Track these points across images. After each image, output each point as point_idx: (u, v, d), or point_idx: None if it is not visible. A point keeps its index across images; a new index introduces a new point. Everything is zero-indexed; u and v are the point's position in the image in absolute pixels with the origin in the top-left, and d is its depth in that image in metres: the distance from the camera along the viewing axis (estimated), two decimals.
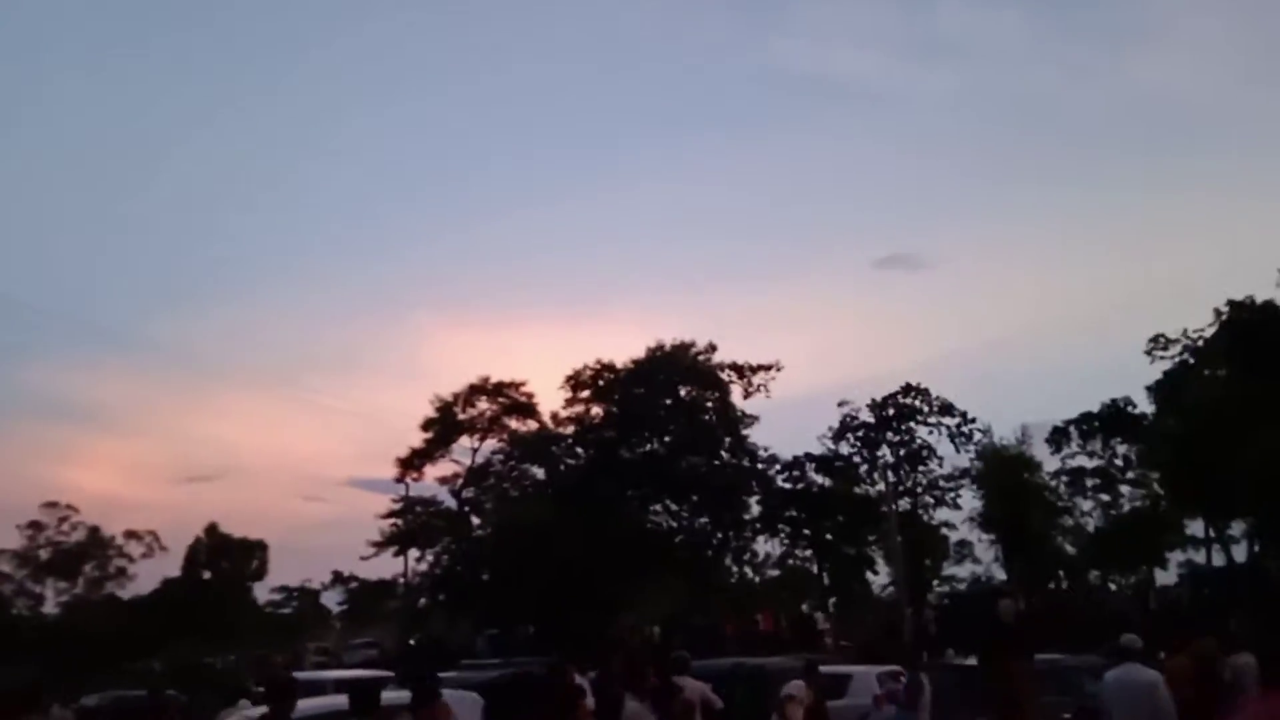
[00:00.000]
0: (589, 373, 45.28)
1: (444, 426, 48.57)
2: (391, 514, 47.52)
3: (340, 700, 9.33)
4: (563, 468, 44.77)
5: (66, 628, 52.09)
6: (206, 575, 63.88)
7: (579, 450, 45.20)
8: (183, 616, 53.45)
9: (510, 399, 48.64)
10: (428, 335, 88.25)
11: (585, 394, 45.36)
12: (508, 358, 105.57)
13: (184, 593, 59.65)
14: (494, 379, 48.68)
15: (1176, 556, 44.74)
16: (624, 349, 49.34)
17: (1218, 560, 38.06)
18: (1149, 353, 41.61)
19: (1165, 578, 42.00)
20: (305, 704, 8.32)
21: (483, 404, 49.02)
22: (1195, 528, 41.92)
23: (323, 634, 71.81)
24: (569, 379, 45.54)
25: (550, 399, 47.02)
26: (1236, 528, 35.15)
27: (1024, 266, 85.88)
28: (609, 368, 45.07)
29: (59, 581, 59.49)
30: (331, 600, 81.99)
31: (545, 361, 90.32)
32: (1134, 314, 60.77)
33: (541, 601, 35.19)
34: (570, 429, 45.67)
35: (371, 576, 64.95)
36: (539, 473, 45.74)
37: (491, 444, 48.50)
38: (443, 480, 48.96)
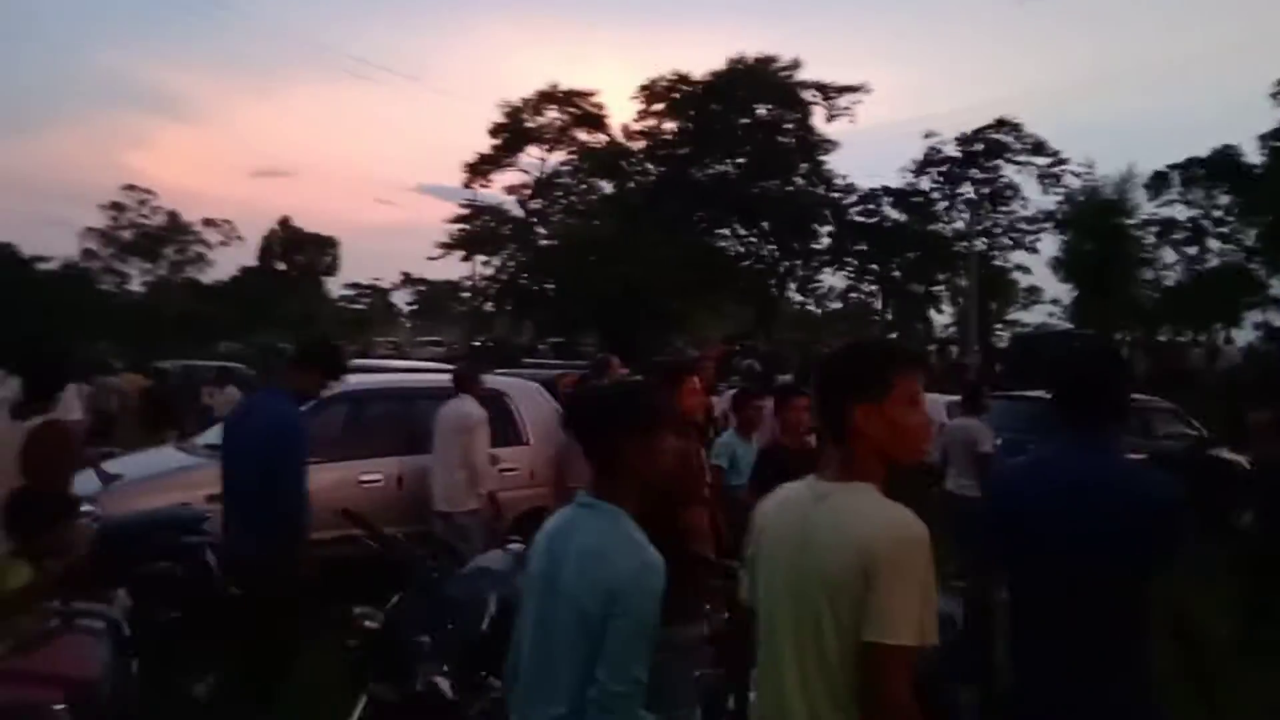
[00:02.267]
0: (664, 84, 43.18)
1: (512, 134, 47.37)
2: (459, 219, 47.51)
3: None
4: (631, 184, 43.80)
5: (150, 306, 54.55)
6: (281, 266, 65.81)
7: (649, 166, 44.00)
8: (260, 304, 55.52)
9: (580, 109, 46.91)
10: (498, 40, 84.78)
11: (659, 107, 43.50)
12: (580, 66, 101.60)
13: (260, 281, 61.71)
14: (564, 87, 46.87)
15: (1253, 317, 43.46)
16: (702, 63, 46.91)
17: None
18: (1275, 95, 38.35)
19: (1239, 337, 40.90)
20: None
21: (552, 113, 47.44)
22: (1278, 288, 40.42)
23: (392, 331, 74.78)
24: (642, 89, 43.58)
25: (622, 111, 45.39)
26: None
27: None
28: (685, 79, 42.85)
29: (143, 263, 61.69)
30: (401, 300, 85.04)
31: (618, 73, 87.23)
32: (1260, 56, 55.30)
33: (604, 314, 35.53)
34: (641, 144, 44.24)
35: (439, 279, 66.39)
36: (607, 187, 44.89)
37: (560, 155, 47.50)
38: (510, 190, 48.52)
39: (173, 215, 62.54)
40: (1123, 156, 73.25)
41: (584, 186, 46.56)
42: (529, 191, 48.21)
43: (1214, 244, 43.70)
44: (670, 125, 43.54)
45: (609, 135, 45.92)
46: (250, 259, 64.74)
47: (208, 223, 63.38)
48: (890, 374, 2.23)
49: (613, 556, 2.36)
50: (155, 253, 61.93)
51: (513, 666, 2.61)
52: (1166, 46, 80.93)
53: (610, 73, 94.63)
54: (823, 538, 2.16)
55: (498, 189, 47.35)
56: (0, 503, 3.93)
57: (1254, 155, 40.10)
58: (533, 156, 47.34)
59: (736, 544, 2.98)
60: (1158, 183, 43.14)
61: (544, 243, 44.03)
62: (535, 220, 47.42)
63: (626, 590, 2.32)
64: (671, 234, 38.17)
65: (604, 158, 44.61)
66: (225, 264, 64.17)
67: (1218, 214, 43.28)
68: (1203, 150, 43.18)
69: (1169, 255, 43.85)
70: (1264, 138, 38.89)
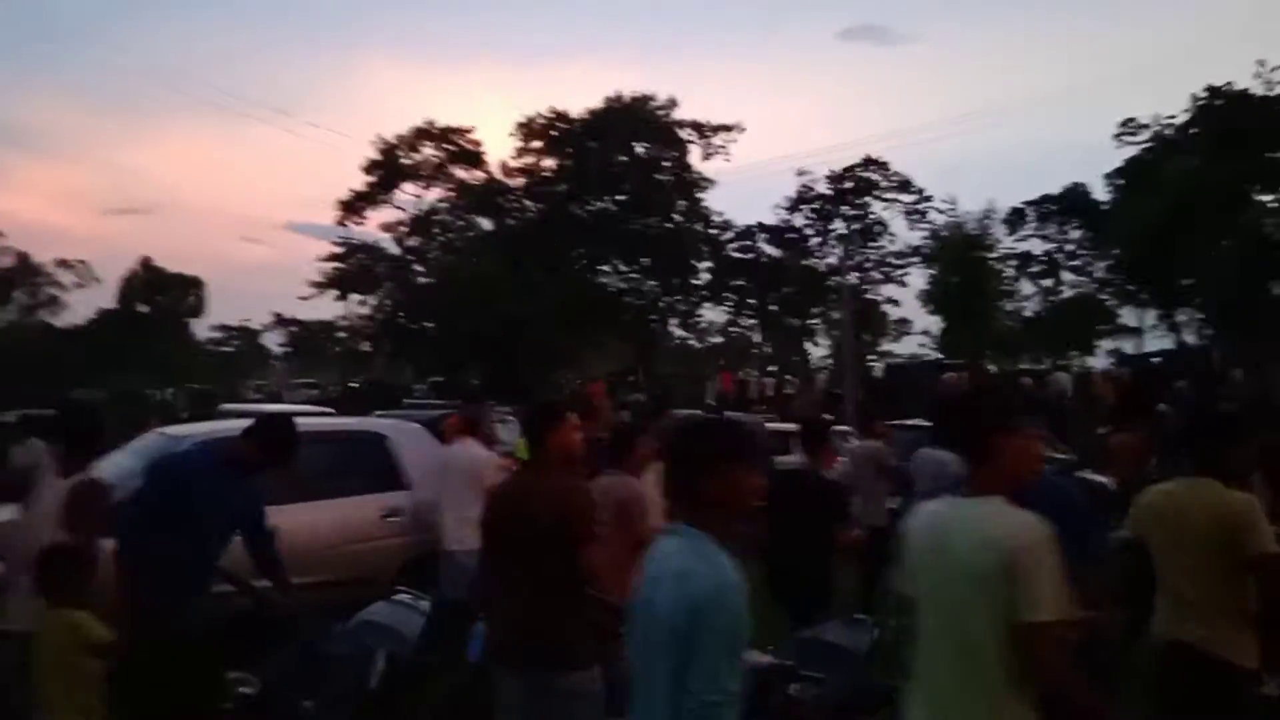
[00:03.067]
0: (541, 121, 43.26)
1: (387, 170, 46.60)
2: (332, 257, 46.28)
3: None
4: (511, 221, 43.59)
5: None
6: (143, 308, 62.83)
7: (528, 203, 43.90)
8: (119, 347, 52.78)
9: (457, 145, 46.50)
10: (373, 76, 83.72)
11: (537, 144, 43.51)
12: (456, 103, 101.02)
13: (120, 324, 58.74)
14: (441, 124, 46.45)
15: (1106, 344, 46.05)
16: (579, 101, 47.29)
17: (1154, 345, 39.22)
18: (1118, 136, 40.99)
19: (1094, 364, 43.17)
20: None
21: (428, 149, 46.89)
22: (1127, 316, 42.98)
23: (263, 374, 72.15)
24: (520, 126, 43.51)
25: (500, 148, 45.18)
26: (1183, 315, 35.94)
27: (994, 45, 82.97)
28: (563, 117, 43.03)
29: None
30: (272, 342, 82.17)
31: (496, 110, 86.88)
32: (1105, 99, 59.31)
33: (485, 352, 35.10)
34: (520, 181, 44.13)
35: (312, 319, 64.43)
36: (486, 224, 44.55)
37: (437, 192, 46.94)
38: (385, 227, 47.60)
39: (22, 256, 59.13)
40: (983, 193, 77.18)
41: (462, 224, 46.08)
42: (406, 229, 47.44)
43: (1068, 276, 46.22)
44: (549, 162, 43.59)
45: (487, 172, 45.69)
46: (109, 301, 61.67)
47: (61, 263, 60.15)
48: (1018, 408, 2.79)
49: (695, 576, 2.54)
50: (3, 295, 58.35)
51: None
52: (1022, 89, 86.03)
53: (487, 110, 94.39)
54: (967, 541, 2.62)
55: (373, 226, 46.40)
56: (35, 557, 4.09)
57: (1101, 193, 42.78)
58: (409, 194, 46.66)
59: None
60: (1015, 218, 45.46)
61: (422, 280, 43.32)
62: (412, 258, 46.65)
63: (709, 606, 2.49)
64: (552, 271, 38.10)
65: (482, 195, 44.29)
66: (81, 307, 60.93)
67: (1070, 248, 45.83)
68: (1055, 188, 45.81)
69: (1027, 287, 46.17)
70: (1109, 176, 41.54)
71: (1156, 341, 38.54)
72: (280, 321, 77.11)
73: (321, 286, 45.33)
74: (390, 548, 7.12)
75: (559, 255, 40.10)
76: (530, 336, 34.36)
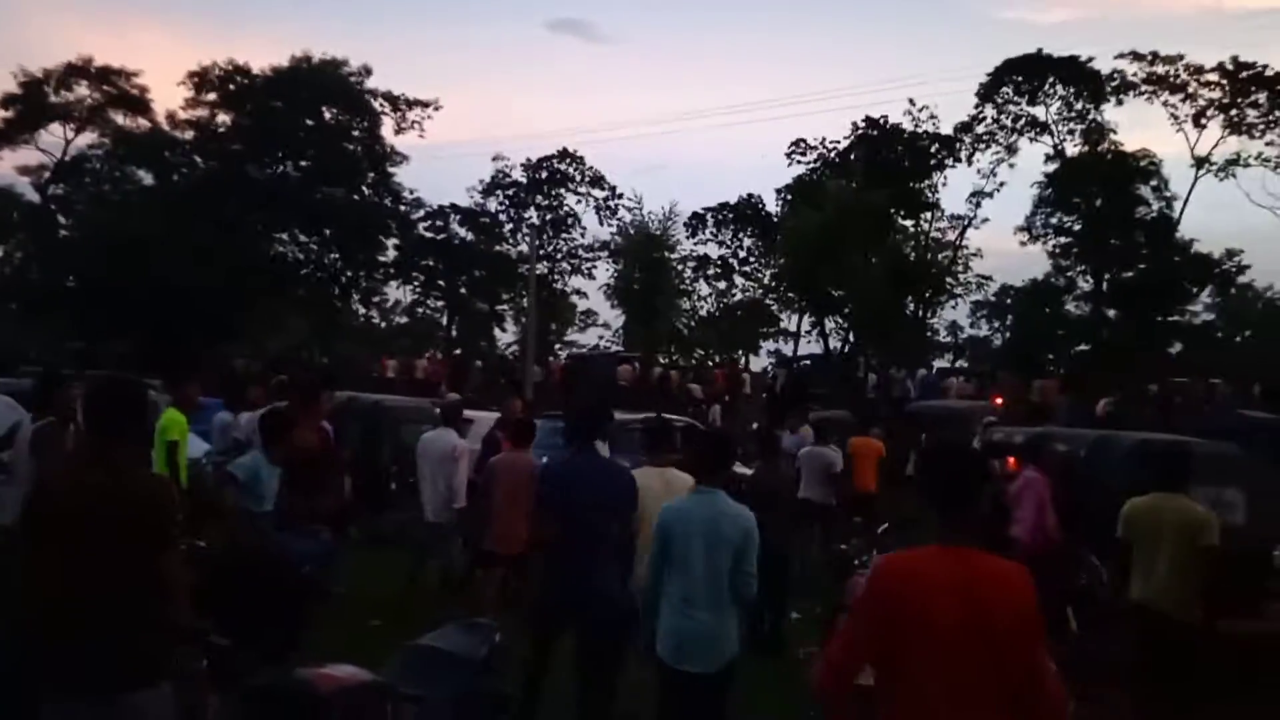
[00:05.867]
0: (219, 73, 39.73)
1: (30, 108, 41.05)
2: None
3: None
4: (177, 177, 39.71)
5: None
6: None
7: (198, 160, 40.20)
8: None
9: (118, 89, 41.84)
10: (20, 7, 72.89)
11: (212, 97, 39.94)
12: (121, 47, 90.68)
13: None
14: (100, 62, 41.51)
15: (769, 345, 49.83)
16: (263, 59, 43.93)
17: (805, 349, 42.85)
18: (789, 154, 44.33)
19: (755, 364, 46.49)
20: None
21: (83, 89, 41.86)
22: (788, 321, 46.66)
23: None
24: (193, 75, 39.73)
25: (169, 98, 41.04)
26: (831, 323, 39.47)
27: (689, 55, 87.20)
28: (243, 71, 39.76)
29: None
30: None
31: (167, 58, 78.95)
32: (782, 118, 64.25)
33: (138, 319, 31.59)
34: (190, 135, 40.32)
35: None
36: (147, 178, 40.30)
37: (91, 138, 41.92)
38: (23, 171, 41.96)
39: None
40: (668, 195, 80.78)
41: (119, 175, 41.43)
42: (49, 174, 42.05)
43: (740, 280, 49.34)
44: (225, 118, 40.16)
45: (153, 121, 41.41)
46: None
47: None
48: None
49: (740, 515, 4.52)
50: None
51: (659, 586, 4.52)
52: (710, 100, 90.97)
53: (158, 57, 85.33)
54: (1184, 517, 5.58)
55: (7, 168, 40.67)
56: None
57: (773, 205, 46.09)
58: (56, 136, 41.39)
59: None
60: (695, 223, 47.82)
61: (65, 234, 38.46)
62: (55, 207, 41.37)
63: (752, 529, 4.50)
64: (222, 235, 35.04)
65: (145, 144, 40.01)
66: None
67: (743, 254, 48.93)
68: (732, 197, 48.71)
69: (704, 288, 48.71)
70: (779, 191, 44.86)
71: (810, 346, 42.22)
72: None
73: None
74: None
75: (231, 219, 36.98)
76: (194, 305, 31.35)
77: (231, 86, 39.74)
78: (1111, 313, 39.40)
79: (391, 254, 44.30)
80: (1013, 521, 8.05)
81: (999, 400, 21.01)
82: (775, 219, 44.58)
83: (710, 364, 40.37)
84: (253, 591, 3.96)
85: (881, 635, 2.58)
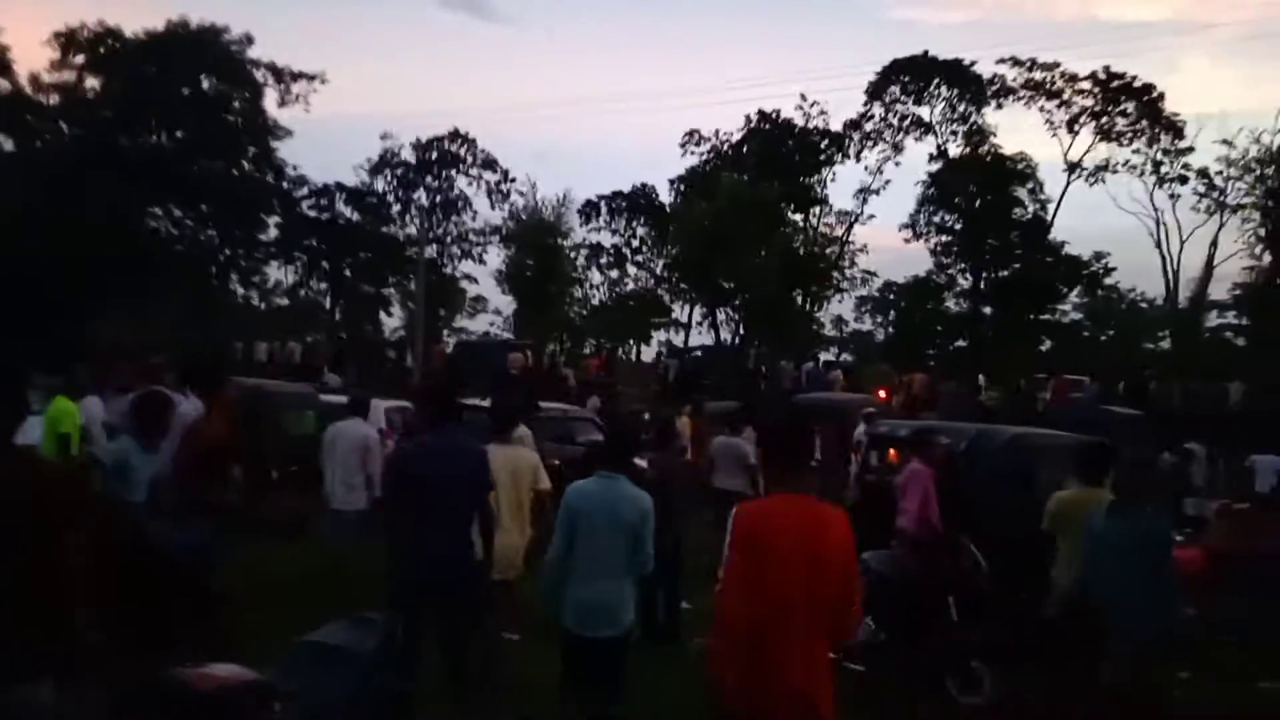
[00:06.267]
0: (88, 35, 37.63)
1: None
2: None
3: None
4: (40, 144, 37.46)
5: None
6: None
7: (63, 126, 38.01)
8: None
9: None
10: None
11: (80, 60, 37.80)
12: None
13: None
14: None
15: (660, 335, 50.02)
16: (136, 21, 41.89)
17: (697, 340, 43.26)
18: (683, 145, 44.60)
19: (647, 352, 46.75)
20: None
21: None
22: (679, 312, 47.04)
23: None
24: (59, 36, 37.54)
25: (32, 58, 38.69)
26: (721, 314, 39.94)
27: (586, 39, 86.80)
28: (115, 34, 37.77)
29: None
30: None
31: (31, 16, 74.24)
32: (677, 107, 64.48)
33: None
34: (55, 99, 38.07)
35: None
36: (7, 144, 37.89)
37: None
38: None
39: None
40: (562, 181, 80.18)
41: None
42: None
43: (632, 269, 49.44)
44: (94, 83, 38.08)
45: (13, 83, 38.89)
46: None
47: None
48: None
49: (638, 498, 4.83)
50: None
51: (564, 560, 4.76)
52: (606, 86, 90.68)
53: (20, 13, 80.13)
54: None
55: None
56: None
57: (666, 195, 46.29)
58: None
59: None
60: (589, 210, 47.65)
61: None
62: None
63: (649, 512, 4.83)
64: (88, 208, 33.21)
65: (4, 108, 37.59)
66: None
67: (635, 244, 49.02)
68: (627, 186, 48.72)
69: (596, 276, 48.63)
70: (672, 181, 45.09)
71: (701, 337, 42.61)
72: None
73: None
74: None
75: (99, 190, 35.07)
76: (51, 282, 29.59)
77: (102, 50, 37.75)
78: (988, 310, 41.02)
79: (273, 233, 42.82)
80: (898, 512, 8.25)
81: (882, 394, 21.59)
82: (668, 209, 44.80)
83: (585, 351, 40.32)
84: (128, 585, 3.72)
85: (749, 561, 3.42)
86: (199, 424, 6.69)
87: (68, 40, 37.51)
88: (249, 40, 39.37)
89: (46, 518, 3.15)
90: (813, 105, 41.96)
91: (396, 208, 47.92)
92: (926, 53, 41.41)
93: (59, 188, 32.73)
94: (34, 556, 3.09)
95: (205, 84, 38.88)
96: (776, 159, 39.86)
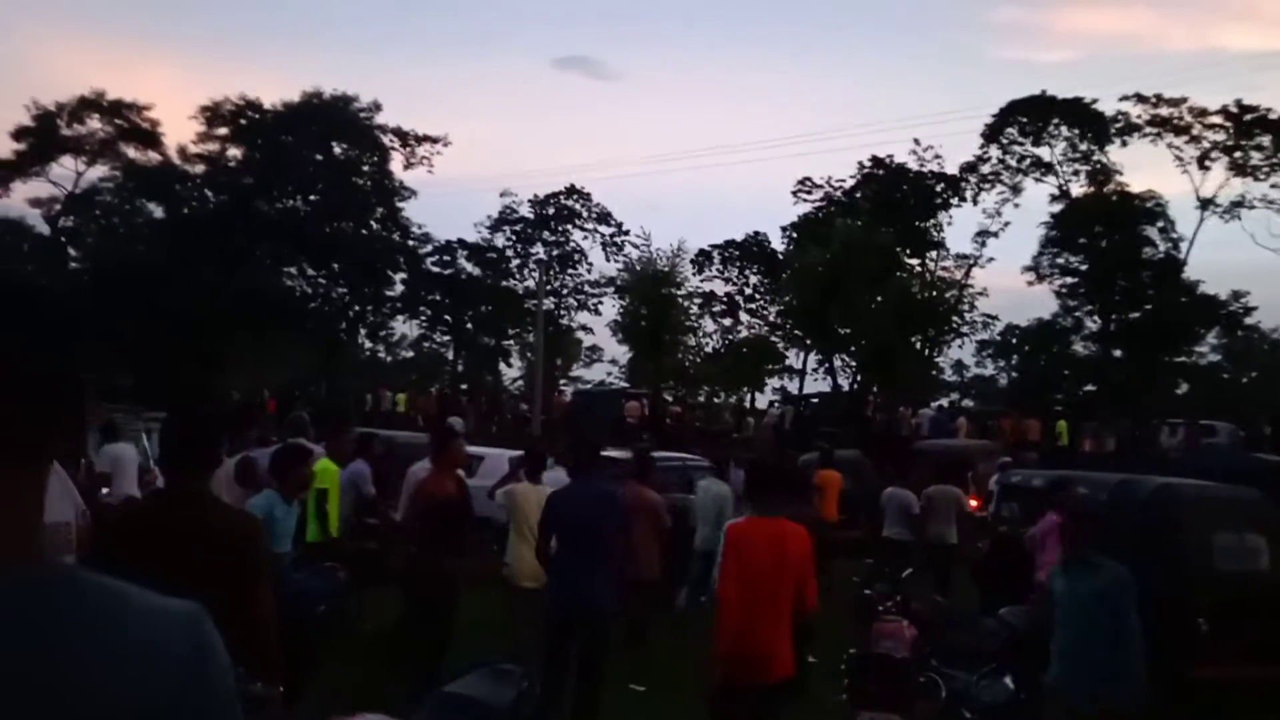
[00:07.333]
0: (230, 108, 40.13)
1: (41, 140, 41.36)
2: None
3: None
4: (187, 210, 39.95)
5: None
6: None
7: (208, 194, 40.47)
8: None
9: (130, 122, 42.18)
10: (27, 36, 73.63)
11: (223, 131, 40.31)
12: (133, 81, 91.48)
13: None
14: (112, 96, 41.89)
15: (775, 382, 49.60)
16: (273, 93, 44.48)
17: (814, 386, 42.69)
18: (795, 193, 44.53)
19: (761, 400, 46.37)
20: None
21: (95, 122, 42.18)
22: (793, 359, 46.61)
23: None
24: (204, 110, 40.14)
25: (180, 132, 41.40)
26: (838, 360, 39.38)
27: (695, 91, 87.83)
28: (255, 106, 40.17)
29: None
30: None
31: (179, 92, 79.46)
32: (789, 156, 65.00)
33: (143, 350, 31.60)
34: (200, 168, 40.63)
35: None
36: (157, 211, 40.54)
37: (102, 170, 42.20)
38: (35, 202, 42.20)
39: None
40: (675, 232, 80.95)
41: (129, 207, 41.68)
42: (59, 206, 42.29)
43: (745, 317, 49.36)
44: (235, 152, 40.51)
45: (163, 155, 41.72)
46: None
47: None
48: None
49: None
50: None
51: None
52: (717, 137, 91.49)
53: (168, 90, 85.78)
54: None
55: (18, 200, 40.92)
56: None
57: (778, 243, 46.22)
58: (67, 168, 41.65)
59: None
60: (702, 259, 47.91)
61: (74, 265, 38.59)
62: (65, 239, 41.54)
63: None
64: (230, 268, 35.21)
65: (156, 177, 40.30)
66: None
67: (749, 291, 48.99)
68: (739, 234, 48.87)
69: (709, 324, 48.70)
70: (785, 228, 45.00)
71: (816, 384, 42.06)
72: None
73: None
74: None
75: (239, 251, 37.18)
76: (199, 336, 31.38)
77: (242, 121, 40.12)
78: (1118, 353, 39.33)
79: (399, 288, 44.45)
80: (1036, 566, 7.95)
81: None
82: (781, 257, 44.68)
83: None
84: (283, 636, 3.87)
85: (734, 560, 4.73)
86: (428, 483, 6.81)
87: (212, 113, 40.08)
88: (377, 107, 41.40)
89: (244, 569, 3.15)
90: (927, 149, 41.46)
91: (515, 262, 49.22)
92: (1044, 92, 40.49)
93: (204, 250, 34.83)
94: (236, 608, 3.13)
95: (337, 150, 40.88)
96: (890, 204, 39.39)
